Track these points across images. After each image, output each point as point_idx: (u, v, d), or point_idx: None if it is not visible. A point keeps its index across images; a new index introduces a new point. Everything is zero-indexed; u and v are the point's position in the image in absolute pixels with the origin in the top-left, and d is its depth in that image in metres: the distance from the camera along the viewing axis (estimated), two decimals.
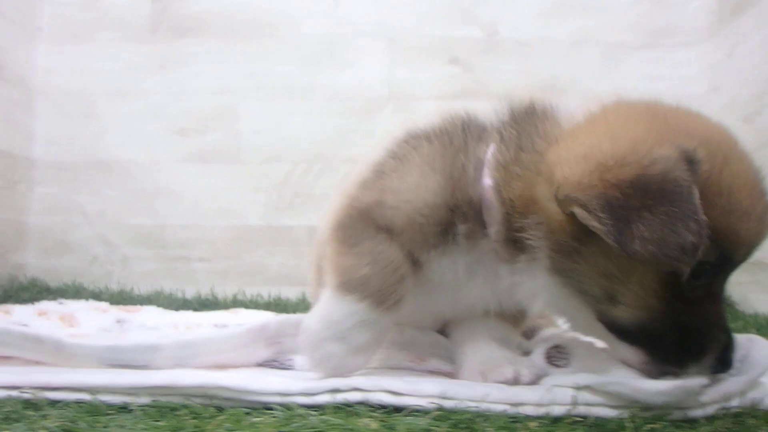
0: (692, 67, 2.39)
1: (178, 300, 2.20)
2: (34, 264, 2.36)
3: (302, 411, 0.74)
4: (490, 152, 0.82)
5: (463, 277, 0.84)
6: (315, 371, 0.84)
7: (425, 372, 0.94)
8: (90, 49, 2.43)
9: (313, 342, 0.83)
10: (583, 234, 0.70)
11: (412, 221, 0.81)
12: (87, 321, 1.41)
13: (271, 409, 0.76)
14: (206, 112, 2.41)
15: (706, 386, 0.72)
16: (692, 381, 0.71)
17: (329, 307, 0.83)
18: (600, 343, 0.87)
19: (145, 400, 0.79)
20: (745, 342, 0.82)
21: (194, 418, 0.73)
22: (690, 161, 0.67)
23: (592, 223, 0.66)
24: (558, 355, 0.91)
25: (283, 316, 1.00)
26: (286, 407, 0.76)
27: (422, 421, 0.70)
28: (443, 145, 0.85)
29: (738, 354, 0.79)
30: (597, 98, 0.85)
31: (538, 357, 0.92)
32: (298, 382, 0.81)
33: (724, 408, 0.73)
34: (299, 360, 0.97)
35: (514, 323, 0.98)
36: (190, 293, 2.26)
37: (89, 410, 0.75)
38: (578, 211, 0.67)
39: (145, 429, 0.69)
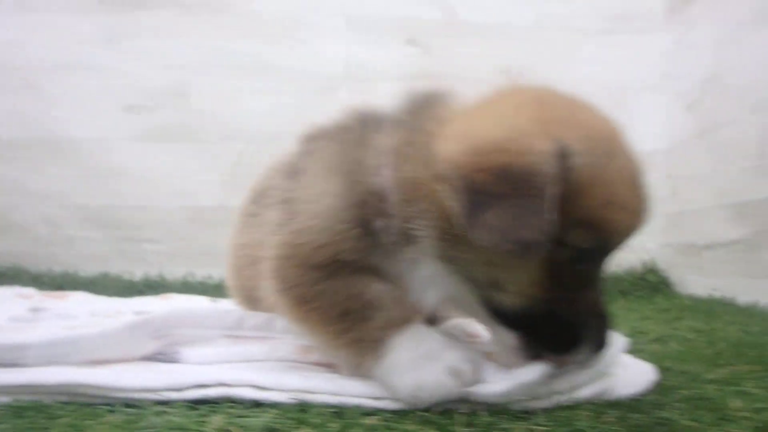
0: (647, 54, 2.39)
1: (125, 282, 2.20)
2: None
3: (157, 409, 0.75)
4: (387, 142, 0.81)
5: (404, 274, 0.81)
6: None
7: (310, 364, 0.95)
8: (34, 21, 2.32)
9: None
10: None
11: (333, 231, 0.78)
12: None
13: (132, 406, 0.77)
14: (157, 89, 2.34)
15: (552, 377, 0.74)
16: (529, 376, 0.73)
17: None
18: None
19: (6, 399, 0.78)
20: None
21: (44, 418, 0.73)
22: (564, 156, 0.66)
23: (452, 202, 0.67)
24: None
25: (170, 309, 1.00)
26: (141, 406, 0.77)
27: (266, 417, 0.72)
28: (340, 143, 0.83)
29: None
30: (493, 83, 0.84)
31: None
32: (166, 377, 0.81)
33: (572, 399, 0.75)
34: (186, 351, 0.98)
35: None
36: (138, 275, 2.26)
37: None
38: (443, 188, 0.68)
39: None
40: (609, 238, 0.72)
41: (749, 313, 1.56)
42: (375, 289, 0.78)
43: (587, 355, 0.74)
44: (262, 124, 2.34)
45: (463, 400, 0.74)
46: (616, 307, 1.81)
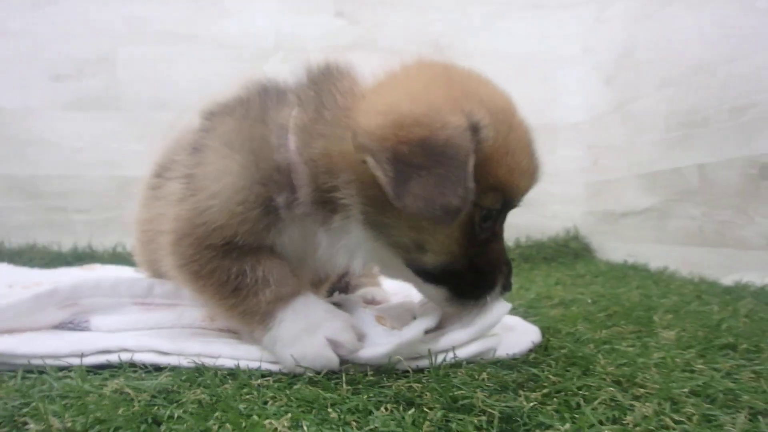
0: (569, 28, 2.45)
1: (53, 253, 2.16)
2: None
3: (58, 375, 0.77)
4: (291, 116, 0.82)
5: (299, 247, 0.85)
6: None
7: (215, 330, 0.98)
8: None
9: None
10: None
11: (232, 213, 0.79)
12: None
13: (38, 371, 0.79)
14: (83, 57, 2.28)
15: (430, 334, 0.80)
16: (408, 335, 0.78)
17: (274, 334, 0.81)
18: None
19: None
20: (487, 306, 0.88)
21: None
22: (475, 129, 0.72)
23: (378, 173, 0.70)
24: None
25: (79, 279, 1.00)
26: (44, 372, 0.78)
27: (162, 379, 0.74)
28: (240, 119, 0.83)
29: (478, 318, 0.86)
30: (396, 57, 0.86)
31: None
32: (69, 344, 0.83)
33: (453, 359, 0.81)
34: (96, 320, 0.99)
35: (316, 287, 1.02)
36: (67, 246, 2.22)
37: None
38: (369, 160, 0.71)
39: None
40: (513, 199, 0.82)
41: (657, 278, 1.67)
42: (265, 265, 0.82)
43: (501, 293, 0.84)
44: (191, 94, 2.30)
45: (349, 362, 0.79)
46: (536, 274, 1.89)
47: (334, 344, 0.78)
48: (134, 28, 2.30)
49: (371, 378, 0.75)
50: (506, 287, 0.84)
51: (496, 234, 0.83)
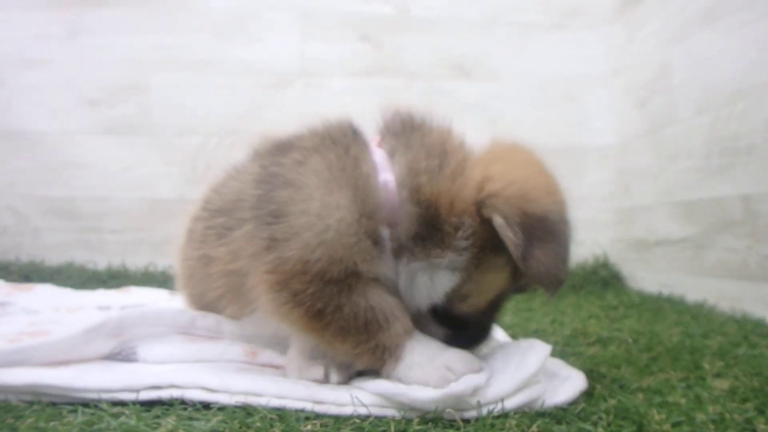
0: (597, 49, 2.45)
1: (89, 272, 2.21)
2: None
3: (115, 411, 0.79)
4: (387, 157, 0.87)
5: (391, 281, 0.87)
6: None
7: (258, 365, 0.99)
8: None
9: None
10: (487, 245, 0.83)
11: (348, 244, 0.81)
12: None
13: (94, 406, 0.81)
14: (117, 84, 2.37)
15: (479, 388, 0.80)
16: (461, 386, 0.78)
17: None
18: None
19: None
20: (525, 346, 0.89)
21: (12, 417, 0.78)
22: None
23: (507, 233, 0.78)
24: None
25: (126, 311, 1.03)
26: (97, 409, 0.81)
27: (213, 421, 0.76)
28: (333, 156, 0.84)
29: (516, 358, 0.87)
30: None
31: None
32: (122, 378, 0.86)
33: (502, 409, 0.80)
34: (143, 350, 1.01)
35: None
36: (101, 264, 2.27)
37: None
38: (498, 220, 0.79)
39: None
40: None
41: (696, 312, 1.62)
42: (387, 300, 0.85)
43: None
44: (219, 119, 2.37)
45: (396, 404, 0.80)
46: (566, 304, 1.87)
47: (448, 369, 0.81)
48: (164, 56, 2.37)
49: (418, 427, 0.75)
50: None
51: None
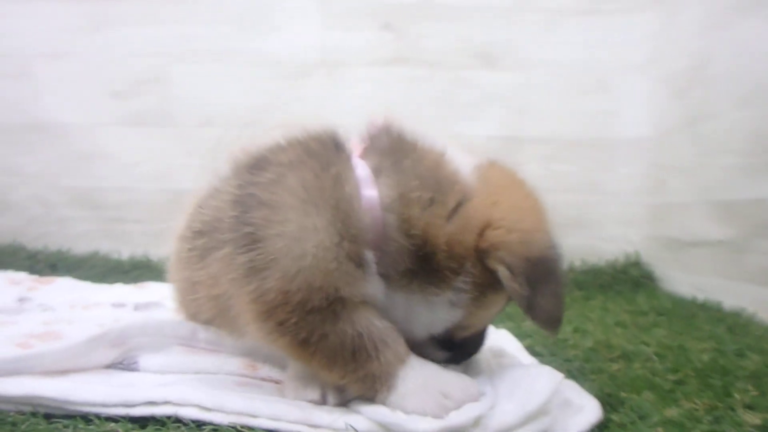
0: (632, 35, 2.29)
1: (113, 261, 2.25)
2: None
3: (108, 427, 0.78)
4: (371, 174, 0.80)
5: (384, 304, 0.83)
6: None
7: (257, 379, 0.97)
8: (25, 10, 2.36)
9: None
10: (488, 285, 0.81)
11: (327, 271, 0.75)
12: None
13: (88, 420, 0.81)
14: (139, 76, 2.37)
15: (481, 417, 0.75)
16: (462, 418, 0.74)
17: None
18: None
19: None
20: (534, 374, 0.83)
21: (8, 431, 0.77)
22: None
23: (513, 285, 0.77)
24: None
25: (128, 320, 1.02)
26: (87, 424, 0.80)
27: None
28: (311, 174, 0.77)
29: (524, 384, 0.82)
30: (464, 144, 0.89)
31: None
32: (119, 393, 0.84)
33: None
34: (144, 360, 1.00)
35: None
36: (125, 254, 2.31)
37: None
38: (504, 272, 0.77)
39: None
40: None
41: (732, 322, 1.50)
42: (378, 326, 0.79)
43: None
44: (239, 111, 2.35)
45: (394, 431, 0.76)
46: (592, 306, 1.79)
47: (445, 396, 0.78)
48: (184, 47, 2.35)
49: None
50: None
51: None
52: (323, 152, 0.80)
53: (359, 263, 0.77)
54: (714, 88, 1.87)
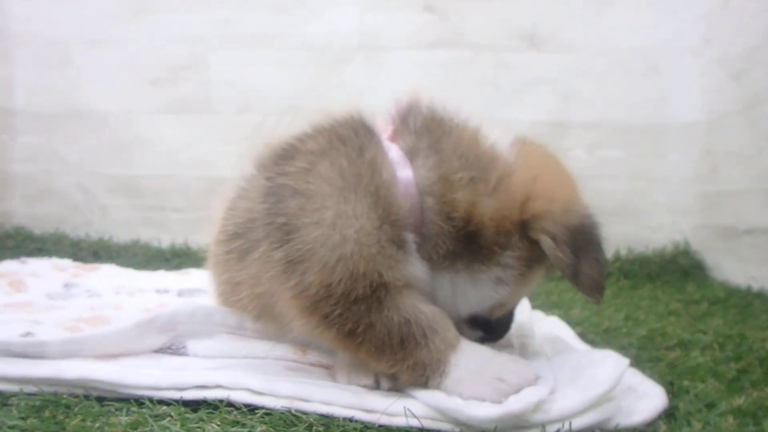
0: (685, 16, 2.20)
1: (153, 249, 2.27)
2: (19, 212, 2.45)
3: (160, 411, 0.78)
4: (404, 156, 0.80)
5: (428, 286, 0.82)
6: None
7: (307, 364, 0.96)
8: None
9: None
10: (533, 259, 0.81)
11: (369, 255, 0.74)
12: (36, 286, 1.47)
13: (140, 403, 0.81)
14: (178, 62, 2.38)
15: (543, 403, 0.73)
16: (522, 403, 0.71)
17: None
18: None
19: (32, 389, 0.85)
20: (599, 359, 0.80)
21: (63, 414, 0.78)
22: None
23: (558, 254, 0.76)
24: None
25: (177, 306, 1.02)
26: (139, 408, 0.80)
27: (258, 429, 0.72)
28: (352, 159, 0.77)
29: (588, 371, 0.79)
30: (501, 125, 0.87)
31: None
32: (169, 376, 0.85)
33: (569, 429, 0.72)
34: (192, 344, 1.00)
35: None
36: (165, 242, 2.33)
37: None
38: (548, 242, 0.77)
39: (11, 428, 0.74)
40: None
41: None
42: (425, 312, 0.78)
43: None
44: (278, 97, 2.33)
45: (451, 419, 0.74)
46: (641, 296, 1.73)
47: (501, 380, 0.76)
48: (224, 33, 2.35)
49: None
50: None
51: None
52: (354, 137, 0.79)
53: (400, 245, 0.76)
54: None
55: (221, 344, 0.98)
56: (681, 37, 2.21)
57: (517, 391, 0.74)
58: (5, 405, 0.81)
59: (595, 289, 0.77)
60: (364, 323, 0.75)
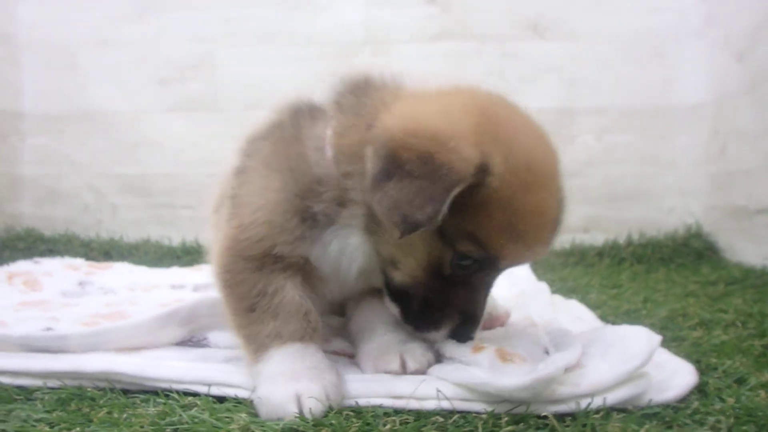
0: None
1: (164, 248, 2.27)
2: (29, 213, 2.46)
3: (187, 402, 0.78)
4: (329, 127, 0.84)
5: (334, 256, 0.85)
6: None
7: (330, 353, 0.95)
8: (70, 0, 2.40)
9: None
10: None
11: (272, 223, 0.82)
12: (50, 285, 1.48)
13: (165, 395, 0.80)
14: (185, 61, 2.39)
15: (569, 372, 0.73)
16: (546, 371, 0.71)
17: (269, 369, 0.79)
18: None
19: (55, 383, 0.86)
20: (630, 334, 0.80)
21: (88, 406, 0.78)
22: (484, 171, 0.71)
23: (368, 165, 0.73)
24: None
25: (198, 298, 1.02)
26: (167, 399, 0.79)
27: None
28: (276, 142, 0.87)
29: (619, 346, 0.78)
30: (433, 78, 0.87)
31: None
32: (192, 372, 0.84)
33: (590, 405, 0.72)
34: (213, 336, 1.01)
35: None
36: (176, 240, 2.33)
37: None
38: (368, 150, 0.74)
39: (37, 421, 0.74)
40: (493, 259, 0.78)
41: None
42: (285, 296, 0.82)
43: (443, 339, 0.84)
44: (285, 92, 2.31)
45: (482, 396, 0.74)
46: (656, 279, 1.72)
47: (297, 401, 0.73)
48: (230, 31, 2.36)
49: (509, 428, 0.68)
50: (458, 335, 0.83)
51: (472, 284, 0.82)
52: (287, 122, 0.88)
53: (305, 217, 0.81)
54: None
55: None
56: (684, 20, 2.20)
57: (305, 408, 0.72)
58: (29, 399, 0.82)
59: (387, 210, 0.70)
60: (238, 278, 0.83)
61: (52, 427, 0.72)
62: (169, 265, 2.02)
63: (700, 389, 0.79)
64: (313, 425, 0.70)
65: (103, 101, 2.41)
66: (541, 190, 0.76)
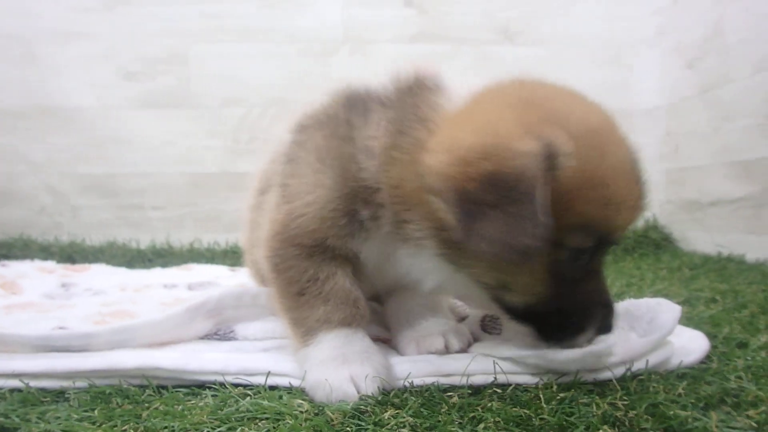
0: (644, 9, 2.38)
1: (132, 251, 2.18)
2: None
3: (237, 392, 0.77)
4: (375, 139, 0.81)
5: (381, 257, 0.85)
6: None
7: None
8: None
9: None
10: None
11: (323, 219, 0.82)
12: (31, 287, 1.40)
13: (207, 387, 0.79)
14: (155, 55, 2.30)
15: (613, 345, 0.78)
16: (600, 346, 0.76)
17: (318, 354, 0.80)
18: None
19: (83, 384, 0.81)
20: (654, 305, 0.87)
21: (130, 403, 0.75)
22: (551, 156, 0.66)
23: (447, 216, 0.68)
24: (492, 324, 0.96)
25: (224, 290, 1.01)
26: (220, 389, 0.78)
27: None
28: (329, 137, 0.84)
29: (646, 317, 0.85)
30: (480, 82, 0.82)
31: (473, 323, 0.97)
32: (235, 362, 0.83)
33: (630, 370, 0.78)
34: (240, 328, 1.00)
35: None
36: (144, 243, 2.24)
37: (22, 400, 0.76)
38: (436, 201, 0.69)
39: (79, 420, 0.70)
40: (609, 236, 0.73)
41: (762, 271, 1.59)
42: (335, 282, 0.83)
43: (593, 336, 0.78)
44: (262, 89, 2.31)
45: (531, 368, 0.78)
46: (624, 266, 1.85)
47: (355, 383, 0.75)
48: (204, 26, 2.30)
49: (562, 394, 0.73)
50: (603, 329, 0.78)
51: (593, 272, 0.77)
52: (341, 117, 0.84)
53: (353, 219, 0.81)
54: (728, 56, 1.96)
55: (269, 324, 0.99)
56: (639, 29, 2.38)
57: (363, 389, 0.74)
58: (56, 400, 0.77)
59: (495, 251, 0.65)
60: (288, 263, 0.83)
61: (98, 426, 0.68)
62: (140, 268, 1.95)
63: (714, 353, 0.87)
64: (379, 403, 0.72)
65: (64, 96, 2.27)
66: (616, 148, 0.72)
